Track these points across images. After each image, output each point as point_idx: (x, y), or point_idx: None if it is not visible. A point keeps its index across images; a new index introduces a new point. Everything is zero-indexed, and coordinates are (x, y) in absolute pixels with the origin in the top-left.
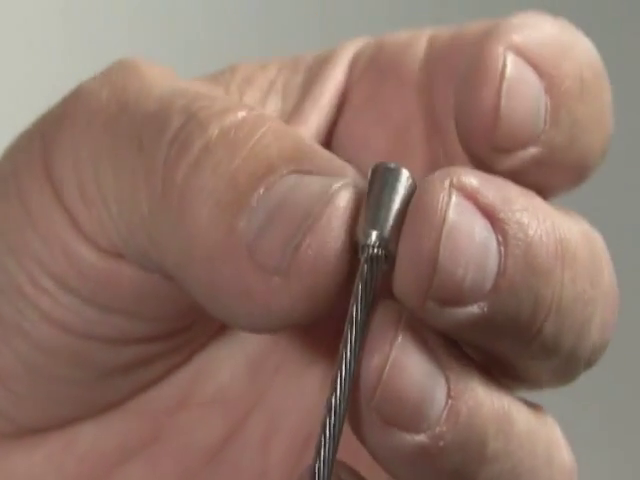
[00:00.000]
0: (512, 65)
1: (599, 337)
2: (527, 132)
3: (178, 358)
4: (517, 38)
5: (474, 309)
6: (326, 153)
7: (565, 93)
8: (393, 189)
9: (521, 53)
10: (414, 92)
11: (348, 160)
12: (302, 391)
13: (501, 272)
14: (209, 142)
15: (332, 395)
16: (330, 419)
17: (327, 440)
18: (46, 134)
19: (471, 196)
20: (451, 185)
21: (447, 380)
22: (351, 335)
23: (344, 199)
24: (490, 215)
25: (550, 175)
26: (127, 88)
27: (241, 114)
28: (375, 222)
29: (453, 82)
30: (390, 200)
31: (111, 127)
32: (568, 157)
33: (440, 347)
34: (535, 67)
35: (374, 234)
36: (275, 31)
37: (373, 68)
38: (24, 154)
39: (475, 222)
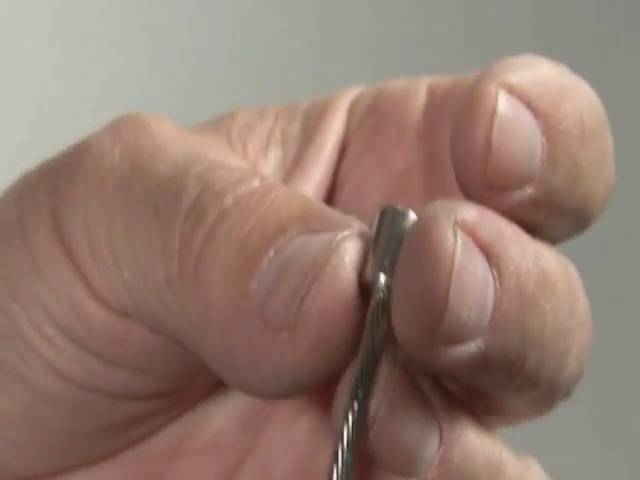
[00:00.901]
0: (504, 102)
1: (577, 367)
2: (520, 170)
3: (176, 412)
4: (511, 77)
5: (471, 347)
6: (333, 211)
7: (563, 134)
8: (401, 232)
9: (515, 92)
10: (414, 139)
11: (351, 206)
12: (294, 440)
13: (497, 307)
14: (224, 212)
15: (339, 444)
16: (337, 466)
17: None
18: (55, 188)
19: (471, 232)
20: (455, 223)
21: (439, 426)
22: (362, 381)
23: (347, 248)
24: (487, 251)
25: (550, 218)
26: (139, 148)
27: (254, 183)
28: (383, 265)
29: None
30: (398, 243)
31: (124, 189)
32: (568, 201)
33: (433, 392)
34: (530, 106)
35: (382, 277)
36: (269, 77)
37: (372, 115)
38: (31, 203)
39: (477, 260)
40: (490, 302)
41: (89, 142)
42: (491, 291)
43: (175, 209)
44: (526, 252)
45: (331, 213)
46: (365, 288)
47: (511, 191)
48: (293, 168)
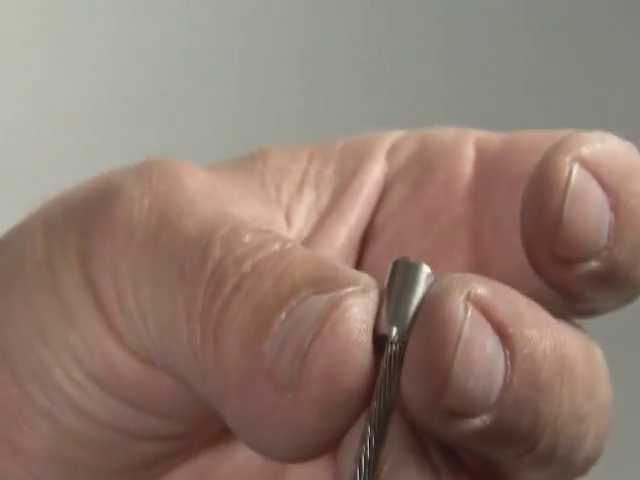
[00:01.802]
0: (578, 175)
1: (593, 449)
2: (589, 244)
3: (198, 449)
4: (585, 150)
5: (477, 422)
6: (348, 270)
7: (631, 211)
8: (414, 285)
9: (588, 166)
10: (463, 194)
11: (390, 253)
12: (315, 470)
13: (506, 386)
14: (241, 278)
15: None
16: None
17: None
18: (84, 235)
19: (484, 310)
20: (467, 298)
21: None
22: (370, 437)
23: (350, 304)
24: (500, 330)
25: (607, 293)
26: (169, 201)
27: (275, 248)
28: (395, 318)
29: (506, 190)
30: (411, 296)
31: (151, 244)
32: (629, 276)
33: (439, 457)
34: (601, 181)
35: (395, 330)
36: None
37: (417, 163)
38: (59, 247)
39: (487, 337)
40: (499, 380)
41: (118, 187)
42: (501, 370)
43: (199, 273)
44: (545, 335)
45: (347, 272)
46: (378, 342)
47: (576, 264)
48: (328, 211)
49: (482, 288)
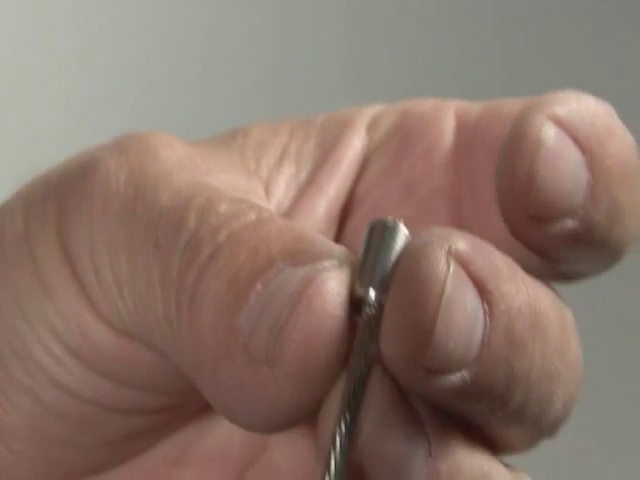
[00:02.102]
0: (552, 135)
1: (562, 410)
2: (564, 203)
3: (182, 422)
4: (560, 110)
5: (455, 378)
6: (326, 242)
7: (607, 173)
8: (391, 247)
9: (563, 125)
10: (442, 164)
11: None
12: (298, 452)
13: (485, 343)
14: (217, 247)
15: (330, 459)
16: (330, 475)
17: None
18: (62, 208)
19: (465, 264)
20: (449, 252)
21: (428, 439)
22: (351, 395)
23: (326, 278)
24: (480, 285)
25: (587, 253)
26: (145, 173)
27: (250, 218)
28: (372, 280)
29: (486, 159)
30: (388, 258)
31: (127, 216)
32: (606, 238)
33: (423, 407)
34: (577, 140)
35: (372, 292)
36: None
37: (397, 134)
38: (38, 221)
39: (468, 293)
40: (478, 337)
41: (95, 161)
42: (480, 326)
43: (174, 243)
44: (520, 291)
45: (323, 244)
46: (355, 304)
47: (552, 223)
48: (307, 184)
49: (462, 242)
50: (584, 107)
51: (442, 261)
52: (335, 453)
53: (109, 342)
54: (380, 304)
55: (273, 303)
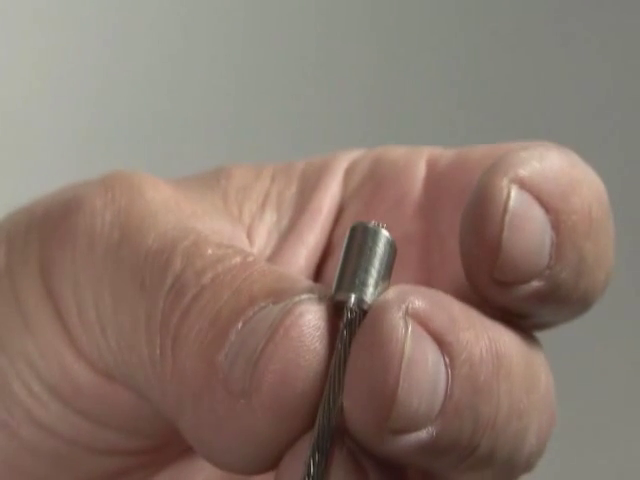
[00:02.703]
0: (516, 198)
1: (536, 444)
2: (530, 266)
3: (159, 466)
4: (523, 171)
5: (422, 434)
6: (306, 282)
7: (572, 230)
8: (372, 251)
9: (526, 187)
10: (413, 212)
11: None
12: None
13: (448, 395)
14: (201, 289)
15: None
16: None
17: None
18: (45, 245)
19: (423, 322)
20: (406, 313)
21: None
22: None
23: (303, 310)
24: (438, 339)
25: (553, 309)
26: (130, 214)
27: (235, 261)
28: (353, 285)
29: (454, 207)
30: (369, 262)
31: (112, 256)
32: (573, 293)
33: (374, 471)
34: (541, 201)
35: (352, 297)
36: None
37: (369, 183)
38: (21, 256)
39: (428, 350)
40: (441, 391)
41: (81, 198)
42: (442, 380)
43: (159, 285)
44: (480, 337)
45: (303, 283)
46: (337, 310)
47: (517, 286)
48: (288, 232)
49: (419, 300)
50: (547, 165)
51: (400, 323)
52: None
53: (90, 382)
54: (361, 308)
55: (252, 336)
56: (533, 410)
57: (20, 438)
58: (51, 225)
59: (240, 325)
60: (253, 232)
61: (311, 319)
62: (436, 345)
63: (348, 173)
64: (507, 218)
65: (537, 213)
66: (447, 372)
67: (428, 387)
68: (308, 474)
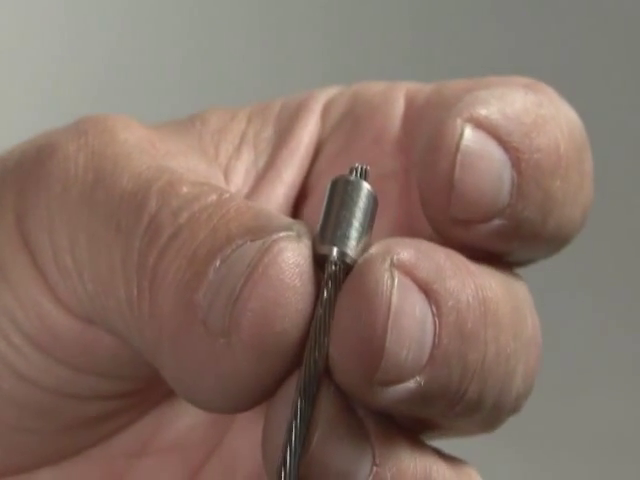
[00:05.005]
0: (469, 137)
1: (523, 386)
2: (485, 205)
3: (143, 409)
4: (480, 110)
5: (411, 384)
6: (284, 219)
7: (535, 168)
8: (354, 203)
9: (483, 126)
10: (391, 148)
11: (318, 212)
12: (258, 440)
13: (436, 344)
14: (177, 228)
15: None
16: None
17: None
18: (20, 192)
19: (409, 272)
20: (392, 265)
21: (373, 448)
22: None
23: (282, 248)
24: (425, 288)
25: (521, 246)
26: (104, 156)
27: (211, 199)
28: (335, 237)
29: None
30: (351, 215)
31: (87, 199)
32: (540, 231)
33: (368, 416)
34: (499, 140)
35: (335, 250)
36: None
37: (348, 120)
38: None
39: (415, 300)
40: (429, 340)
41: (53, 144)
42: (430, 329)
43: (135, 226)
44: (466, 284)
45: (281, 219)
46: (319, 263)
47: (477, 224)
48: (266, 170)
49: (404, 252)
50: (508, 104)
51: (386, 275)
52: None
53: (69, 329)
54: (344, 261)
55: (230, 275)
56: (520, 353)
57: (3, 391)
58: (25, 173)
59: (218, 263)
60: (230, 171)
61: (290, 256)
62: (423, 295)
63: (326, 111)
64: (458, 157)
65: (494, 152)
66: (434, 321)
67: (416, 337)
68: (296, 416)
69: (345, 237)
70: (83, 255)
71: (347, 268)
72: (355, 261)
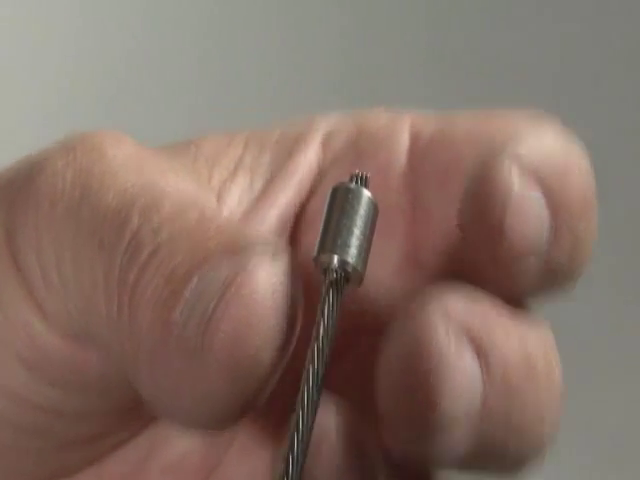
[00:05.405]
0: (518, 179)
1: (548, 434)
2: (529, 248)
3: (140, 426)
4: (521, 150)
5: (461, 443)
6: (262, 238)
7: (568, 210)
8: (354, 211)
9: (525, 167)
10: (397, 184)
11: None
12: (254, 464)
13: (484, 401)
14: (157, 246)
15: (291, 441)
16: (292, 454)
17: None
18: (10, 210)
19: (462, 328)
20: (447, 316)
21: None
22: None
23: (258, 266)
24: (476, 344)
25: (551, 287)
26: (91, 173)
27: (193, 216)
28: (335, 245)
29: (439, 182)
30: (351, 223)
31: (73, 215)
32: (566, 273)
33: (377, 455)
34: (539, 183)
35: (335, 258)
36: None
37: (350, 152)
38: None
39: (467, 357)
40: (477, 397)
41: (42, 162)
42: (479, 386)
43: (117, 243)
44: (512, 339)
45: (259, 239)
46: (321, 271)
47: (516, 264)
48: (262, 193)
49: (457, 304)
50: (544, 143)
51: (442, 329)
52: None
53: (57, 349)
54: (344, 270)
55: (205, 294)
56: (550, 405)
57: None
58: (15, 191)
59: (195, 282)
60: (224, 193)
61: (264, 275)
62: (473, 351)
63: (327, 140)
64: (511, 199)
65: (535, 192)
66: (483, 378)
67: (466, 393)
68: (297, 429)
69: (346, 245)
70: (68, 271)
71: (347, 276)
72: (355, 269)
